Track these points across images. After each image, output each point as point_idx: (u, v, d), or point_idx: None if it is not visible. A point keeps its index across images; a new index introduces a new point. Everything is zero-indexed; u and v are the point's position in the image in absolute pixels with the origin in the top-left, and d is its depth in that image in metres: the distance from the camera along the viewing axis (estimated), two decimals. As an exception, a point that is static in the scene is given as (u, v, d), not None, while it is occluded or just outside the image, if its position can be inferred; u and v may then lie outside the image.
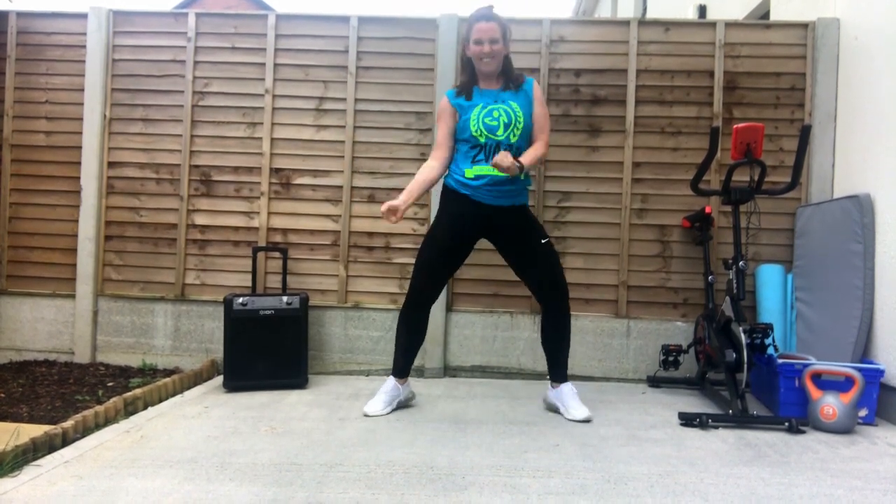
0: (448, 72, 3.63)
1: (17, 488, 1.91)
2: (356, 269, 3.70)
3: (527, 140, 2.80)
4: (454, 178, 2.82)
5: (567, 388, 2.88)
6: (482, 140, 2.74)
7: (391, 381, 2.91)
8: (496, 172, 2.70)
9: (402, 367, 2.92)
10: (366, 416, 2.78)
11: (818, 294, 3.29)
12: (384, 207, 2.72)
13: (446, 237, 2.83)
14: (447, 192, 2.85)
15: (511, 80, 2.82)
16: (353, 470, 2.13)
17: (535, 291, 2.91)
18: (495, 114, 2.74)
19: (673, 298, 3.61)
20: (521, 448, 2.40)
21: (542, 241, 2.82)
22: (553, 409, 2.91)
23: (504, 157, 2.58)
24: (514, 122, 2.74)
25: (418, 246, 3.65)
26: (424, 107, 3.69)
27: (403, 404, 2.94)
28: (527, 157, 2.70)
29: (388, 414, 2.82)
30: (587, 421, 2.76)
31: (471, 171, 2.76)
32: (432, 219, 3.61)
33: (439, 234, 2.84)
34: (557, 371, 2.91)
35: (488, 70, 2.77)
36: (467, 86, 2.83)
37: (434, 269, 2.86)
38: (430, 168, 2.84)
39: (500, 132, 2.73)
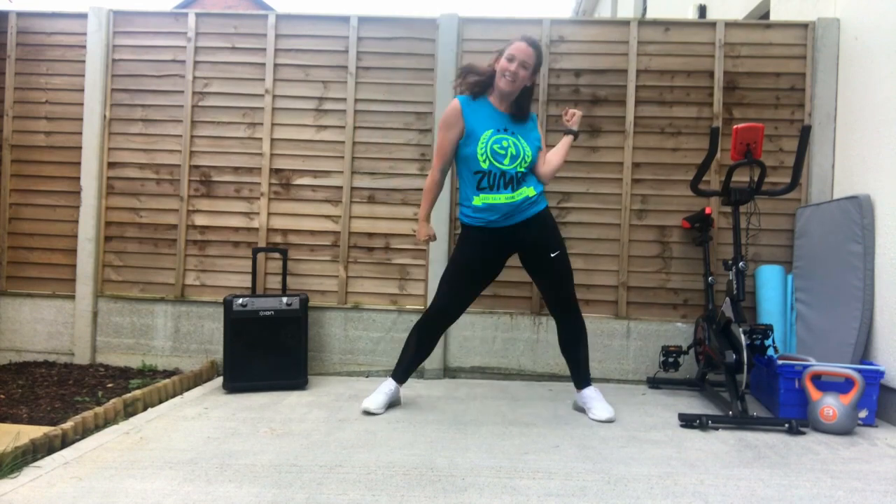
0: (448, 72, 3.62)
1: (16, 490, 1.91)
2: (356, 270, 3.70)
3: (531, 168, 2.84)
4: (465, 214, 2.83)
5: (589, 392, 2.91)
6: (486, 167, 2.74)
7: (392, 382, 2.93)
8: (502, 200, 2.73)
9: (404, 375, 2.96)
10: (367, 412, 2.80)
11: (818, 295, 3.28)
12: (425, 237, 2.91)
13: (474, 265, 2.85)
14: (464, 227, 2.86)
15: (521, 111, 2.83)
16: (353, 471, 2.13)
17: (547, 304, 2.94)
18: (504, 143, 2.75)
19: (673, 299, 3.61)
20: (521, 449, 2.40)
21: (552, 255, 2.81)
22: (580, 411, 2.95)
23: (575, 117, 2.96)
24: (521, 156, 2.76)
25: (418, 246, 3.67)
26: (424, 107, 3.69)
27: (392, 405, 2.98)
28: (559, 154, 2.91)
29: (385, 414, 2.83)
30: (610, 421, 2.79)
31: (478, 200, 2.77)
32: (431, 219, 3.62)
33: (465, 263, 2.85)
34: (577, 376, 2.94)
35: (503, 89, 2.77)
36: (479, 91, 2.82)
37: (460, 294, 2.88)
38: (437, 185, 2.91)
39: (505, 162, 2.74)
